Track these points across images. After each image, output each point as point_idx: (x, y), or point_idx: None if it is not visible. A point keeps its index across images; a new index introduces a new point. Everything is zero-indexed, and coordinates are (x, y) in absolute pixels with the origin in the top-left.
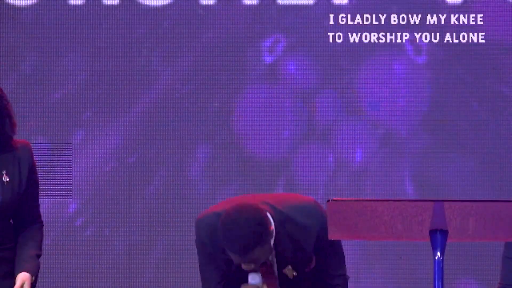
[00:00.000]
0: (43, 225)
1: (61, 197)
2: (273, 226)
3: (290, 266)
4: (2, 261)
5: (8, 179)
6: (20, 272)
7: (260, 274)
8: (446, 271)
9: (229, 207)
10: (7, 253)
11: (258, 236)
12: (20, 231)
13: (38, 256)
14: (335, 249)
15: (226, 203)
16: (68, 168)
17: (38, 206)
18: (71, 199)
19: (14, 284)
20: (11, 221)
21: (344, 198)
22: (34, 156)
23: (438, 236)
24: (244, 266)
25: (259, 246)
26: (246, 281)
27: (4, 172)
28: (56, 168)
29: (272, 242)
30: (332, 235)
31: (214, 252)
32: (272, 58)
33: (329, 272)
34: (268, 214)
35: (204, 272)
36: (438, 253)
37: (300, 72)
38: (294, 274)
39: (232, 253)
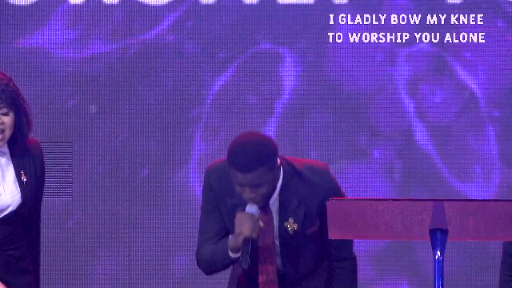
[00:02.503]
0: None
1: (61, 197)
2: (281, 169)
3: (291, 218)
4: (17, 259)
5: (26, 179)
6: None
7: (258, 207)
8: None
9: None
10: (22, 250)
11: (263, 156)
12: (29, 231)
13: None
14: None
15: None
16: (68, 168)
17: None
18: (71, 199)
19: (27, 281)
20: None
21: (344, 198)
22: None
23: (438, 235)
24: (246, 194)
25: (262, 167)
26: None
27: (22, 172)
28: (56, 168)
29: (277, 176)
30: (332, 235)
31: (220, 199)
32: (272, 58)
33: (332, 252)
34: (279, 161)
35: (204, 221)
36: (438, 253)
37: (300, 72)
38: (295, 228)
39: (235, 170)
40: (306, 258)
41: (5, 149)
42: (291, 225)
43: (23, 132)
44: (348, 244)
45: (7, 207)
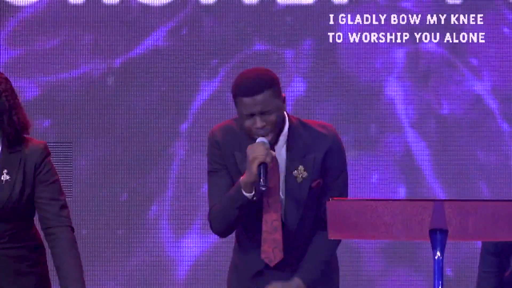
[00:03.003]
0: (71, 229)
1: None
2: (285, 96)
3: (301, 166)
4: (14, 260)
5: (8, 178)
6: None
7: (267, 139)
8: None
9: None
10: (23, 251)
11: (268, 79)
12: (50, 234)
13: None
14: (344, 179)
15: None
16: (68, 168)
17: (60, 206)
18: (71, 199)
19: (28, 284)
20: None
21: (344, 198)
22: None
23: (438, 236)
24: (257, 123)
25: (269, 89)
26: (254, 210)
27: (5, 171)
28: (56, 168)
29: (282, 109)
30: (332, 235)
31: (226, 156)
32: (272, 58)
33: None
34: (286, 114)
35: (213, 182)
36: (438, 253)
37: (300, 72)
38: (304, 176)
39: (243, 97)
40: (308, 216)
41: None
42: (301, 172)
43: (13, 132)
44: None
45: None
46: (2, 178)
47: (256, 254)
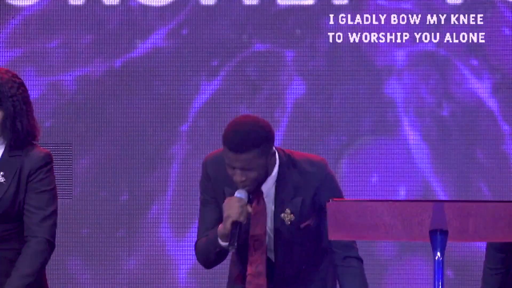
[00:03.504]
0: (46, 241)
1: (61, 197)
2: (277, 156)
3: (288, 209)
4: (10, 261)
5: (3, 181)
6: None
7: (246, 193)
8: None
9: None
10: (8, 253)
11: (257, 138)
12: (25, 242)
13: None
14: None
15: None
16: (68, 168)
17: (44, 217)
18: (71, 200)
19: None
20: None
21: (344, 198)
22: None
23: (438, 236)
24: (236, 177)
25: (255, 149)
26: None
27: (1, 173)
28: (56, 168)
29: (270, 163)
30: (332, 235)
31: (217, 188)
32: (272, 58)
33: (338, 251)
34: (277, 154)
35: (202, 215)
36: (438, 253)
37: (300, 72)
38: (292, 218)
39: (228, 149)
40: (299, 253)
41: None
42: (287, 216)
43: (16, 135)
44: (354, 243)
45: None
46: None
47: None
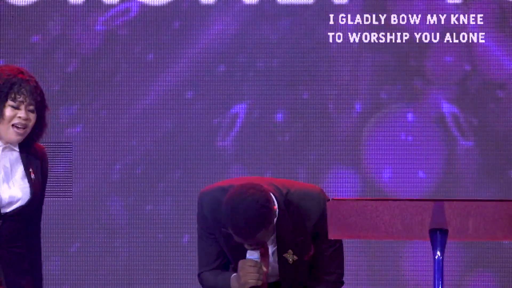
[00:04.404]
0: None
1: (61, 197)
2: (276, 206)
3: (291, 250)
4: (20, 259)
5: (34, 177)
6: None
7: (258, 252)
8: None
9: (235, 186)
10: (24, 251)
11: (263, 219)
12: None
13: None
14: (332, 244)
15: (232, 180)
16: (68, 168)
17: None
18: (71, 199)
19: (26, 282)
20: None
21: (344, 198)
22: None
23: (438, 235)
24: (246, 246)
25: (264, 229)
26: (243, 257)
27: (31, 170)
28: (56, 168)
29: (274, 221)
30: (332, 235)
31: (214, 227)
32: (272, 58)
33: (324, 267)
34: (272, 196)
35: (202, 247)
36: (438, 253)
37: (300, 72)
38: (295, 258)
39: (236, 236)
40: (304, 275)
41: (16, 147)
42: (290, 256)
43: (38, 134)
44: (339, 260)
45: (17, 200)
46: (31, 177)
47: None
